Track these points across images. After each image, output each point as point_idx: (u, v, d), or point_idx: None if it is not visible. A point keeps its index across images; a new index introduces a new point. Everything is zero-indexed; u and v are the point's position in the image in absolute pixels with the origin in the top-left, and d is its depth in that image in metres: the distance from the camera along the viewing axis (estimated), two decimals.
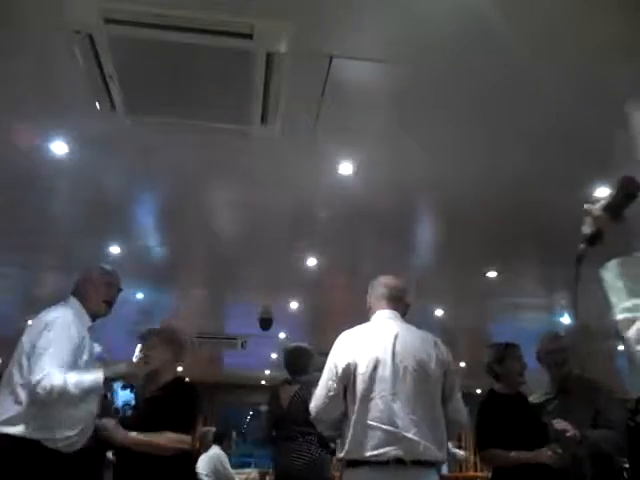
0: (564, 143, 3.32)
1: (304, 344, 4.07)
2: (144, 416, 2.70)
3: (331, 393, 2.34)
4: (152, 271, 5.98)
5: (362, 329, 2.50)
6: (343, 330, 2.54)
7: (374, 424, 2.20)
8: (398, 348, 2.32)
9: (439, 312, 7.01)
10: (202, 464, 5.56)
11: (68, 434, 2.43)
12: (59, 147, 3.45)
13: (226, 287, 6.52)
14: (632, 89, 2.82)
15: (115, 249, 5.14)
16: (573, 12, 2.34)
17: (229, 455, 5.91)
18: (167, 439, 2.54)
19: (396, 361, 2.29)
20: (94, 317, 2.73)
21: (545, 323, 7.14)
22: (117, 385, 3.97)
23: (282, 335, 8.26)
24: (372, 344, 2.36)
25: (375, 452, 2.17)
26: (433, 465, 2.23)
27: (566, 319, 7.20)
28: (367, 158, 3.55)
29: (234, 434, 6.20)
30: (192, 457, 2.80)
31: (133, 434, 2.57)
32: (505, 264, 5.44)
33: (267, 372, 11.75)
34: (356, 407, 2.26)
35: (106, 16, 2.25)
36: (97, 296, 2.73)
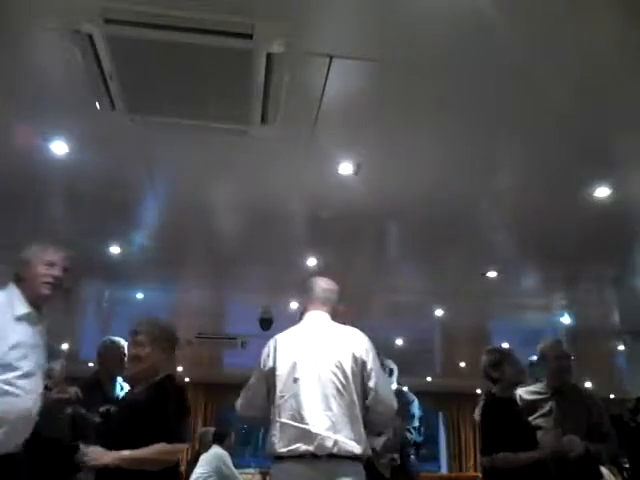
0: (564, 143, 3.32)
1: None
2: (127, 424, 2.40)
3: (250, 392, 2.58)
4: (152, 271, 5.98)
5: (290, 331, 2.63)
6: (279, 335, 2.65)
7: (288, 422, 2.35)
8: (317, 350, 2.45)
9: (439, 312, 7.01)
10: (203, 464, 5.56)
11: None
12: (59, 147, 3.45)
13: (226, 287, 6.52)
14: (632, 89, 2.82)
15: (115, 249, 5.14)
16: (573, 12, 2.34)
17: (231, 454, 5.90)
18: (160, 452, 2.26)
19: (313, 362, 2.41)
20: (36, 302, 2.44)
21: (545, 323, 7.14)
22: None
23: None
24: (294, 346, 2.51)
25: (289, 448, 2.31)
26: (353, 459, 2.30)
27: (566, 319, 7.20)
28: (367, 158, 3.55)
29: (233, 435, 6.19)
30: (178, 468, 2.63)
31: (125, 453, 2.24)
32: (505, 264, 5.45)
33: None
34: (274, 407, 2.42)
35: (106, 16, 2.25)
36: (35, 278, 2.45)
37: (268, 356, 2.55)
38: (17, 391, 2.22)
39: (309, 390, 2.36)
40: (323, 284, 2.76)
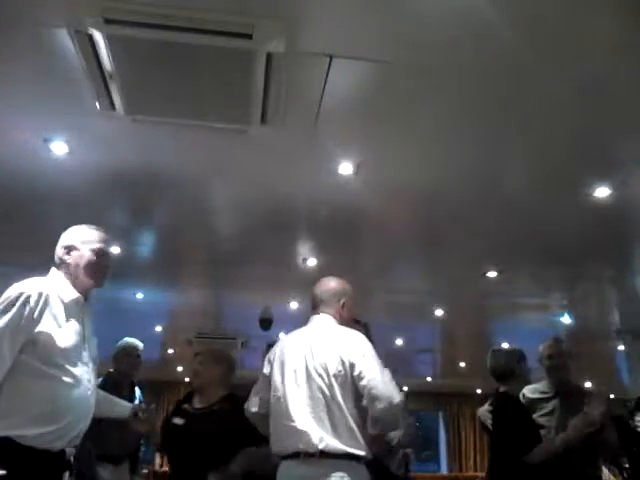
0: (564, 143, 3.32)
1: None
2: (202, 429, 2.87)
3: (255, 390, 2.67)
4: (152, 271, 5.98)
5: (290, 335, 2.68)
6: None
7: (280, 421, 2.44)
8: (306, 351, 2.49)
9: (439, 312, 7.01)
10: None
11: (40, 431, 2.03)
12: (59, 147, 3.45)
13: (226, 287, 6.52)
14: (632, 89, 2.82)
15: (115, 249, 5.14)
16: (573, 12, 2.34)
17: None
18: None
19: (301, 362, 2.47)
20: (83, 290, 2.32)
21: (545, 323, 7.14)
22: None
23: (282, 335, 8.25)
24: (288, 348, 2.57)
25: (282, 447, 2.41)
26: (349, 457, 2.31)
27: (566, 319, 7.20)
28: (367, 158, 3.55)
29: None
30: None
31: None
32: (505, 264, 5.45)
33: None
34: (271, 406, 2.52)
35: (106, 16, 2.25)
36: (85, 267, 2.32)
37: (269, 357, 2.65)
38: (74, 381, 2.14)
39: (296, 391, 2.42)
40: (323, 285, 2.76)
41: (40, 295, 2.12)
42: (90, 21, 2.27)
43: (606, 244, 4.85)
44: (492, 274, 5.65)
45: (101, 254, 2.36)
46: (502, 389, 3.24)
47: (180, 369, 10.67)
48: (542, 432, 3.16)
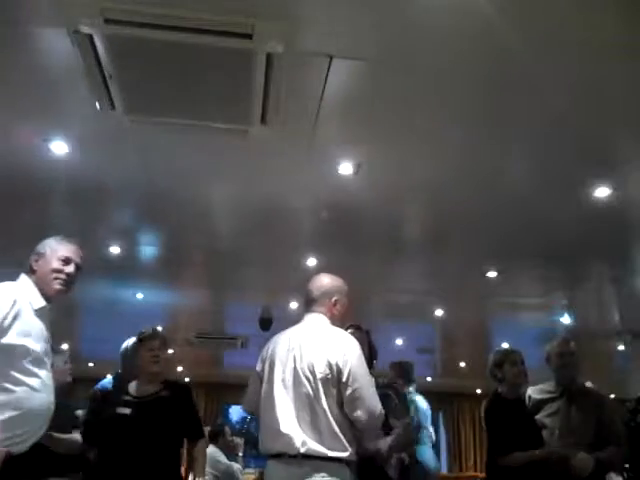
0: (564, 143, 3.32)
1: None
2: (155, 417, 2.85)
3: (248, 390, 2.67)
4: (152, 271, 5.98)
5: (284, 333, 2.65)
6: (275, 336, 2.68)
7: (266, 421, 2.44)
8: (295, 352, 2.46)
9: (439, 312, 7.01)
10: None
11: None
12: (59, 147, 3.45)
13: (226, 287, 6.52)
14: (632, 89, 2.82)
15: (115, 249, 5.14)
16: (573, 12, 2.34)
17: (230, 447, 6.02)
18: None
19: (289, 364, 2.44)
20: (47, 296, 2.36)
21: (545, 323, 7.14)
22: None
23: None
24: (279, 348, 2.55)
25: (267, 447, 2.42)
26: (332, 460, 2.30)
27: (566, 319, 7.20)
28: (367, 158, 3.55)
29: (227, 429, 6.28)
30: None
31: None
32: (505, 264, 5.45)
33: None
34: (260, 407, 2.51)
35: (106, 16, 2.25)
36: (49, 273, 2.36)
37: (262, 355, 2.63)
38: (41, 386, 2.18)
39: (281, 392, 2.41)
40: (317, 283, 2.69)
41: (14, 302, 2.16)
42: (90, 21, 2.27)
43: (606, 244, 4.84)
44: (492, 274, 5.65)
45: (66, 262, 2.39)
46: (499, 389, 3.25)
47: (180, 369, 10.67)
48: (545, 433, 3.15)
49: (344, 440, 2.34)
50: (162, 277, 6.19)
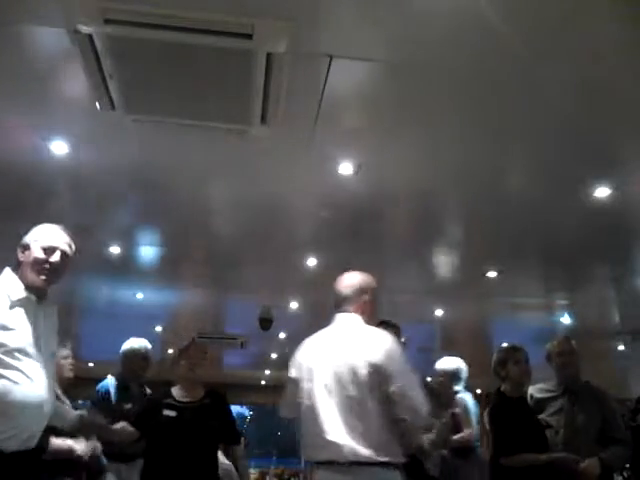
0: (564, 143, 3.32)
1: None
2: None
3: (285, 394, 2.59)
4: (152, 271, 5.98)
5: (316, 336, 2.59)
6: (308, 338, 2.63)
7: (310, 429, 2.37)
8: (333, 355, 2.40)
9: (439, 312, 7.01)
10: None
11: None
12: (59, 147, 3.45)
13: (226, 287, 6.53)
14: (632, 89, 2.82)
15: (115, 249, 5.14)
16: (573, 12, 2.33)
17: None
18: None
19: (329, 369, 2.37)
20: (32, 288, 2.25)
21: (545, 323, 7.15)
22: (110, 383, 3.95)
23: (282, 335, 8.26)
24: (315, 352, 2.49)
25: (312, 455, 2.38)
26: (380, 465, 2.24)
27: (566, 319, 7.20)
28: (367, 158, 3.55)
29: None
30: None
31: None
32: (505, 264, 5.45)
33: (267, 372, 11.76)
34: (302, 412, 2.43)
35: (106, 16, 2.25)
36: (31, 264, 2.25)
37: (293, 360, 2.57)
38: (23, 379, 2.07)
39: (324, 398, 2.34)
40: (346, 281, 2.61)
41: None
42: (90, 21, 2.27)
43: (606, 244, 4.84)
44: (492, 274, 5.65)
45: (50, 251, 2.27)
46: (502, 388, 3.24)
47: None
48: (549, 432, 3.14)
49: (393, 443, 2.29)
50: (162, 277, 6.19)
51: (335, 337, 2.48)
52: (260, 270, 5.76)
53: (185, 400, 3.11)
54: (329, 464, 2.27)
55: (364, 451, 2.22)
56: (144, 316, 7.38)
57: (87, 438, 2.74)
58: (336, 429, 2.27)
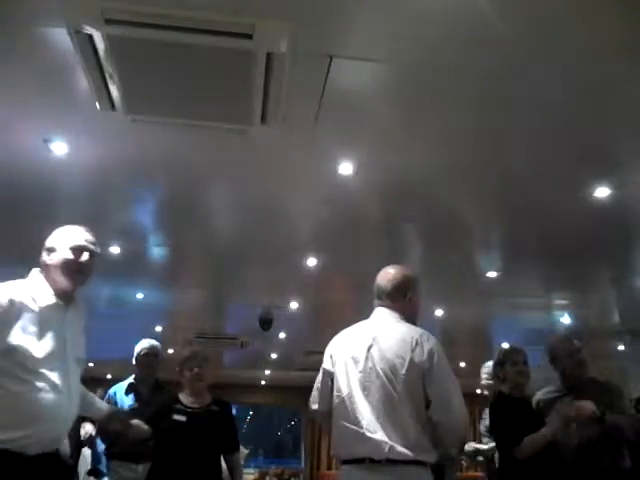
0: (564, 143, 3.32)
1: None
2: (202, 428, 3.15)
3: (317, 386, 2.54)
4: (152, 271, 5.98)
5: (353, 328, 2.55)
6: (343, 330, 2.60)
7: (345, 424, 2.32)
8: (372, 350, 2.35)
9: (439, 312, 7.01)
10: None
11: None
12: (59, 147, 3.45)
13: (226, 287, 6.53)
14: (632, 89, 2.83)
15: (115, 249, 5.14)
16: (573, 12, 2.34)
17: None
18: None
19: (368, 363, 2.34)
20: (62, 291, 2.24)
21: (545, 323, 7.15)
22: (119, 391, 4.02)
23: (282, 335, 8.27)
24: (352, 345, 2.44)
25: (347, 452, 2.31)
26: (415, 464, 2.21)
27: (566, 319, 7.20)
28: (367, 158, 3.55)
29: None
30: None
31: None
32: (505, 264, 5.45)
33: (267, 372, 11.76)
34: (334, 406, 2.39)
35: (106, 16, 2.25)
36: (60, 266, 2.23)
37: (330, 352, 2.53)
38: (49, 387, 2.07)
39: (360, 393, 2.31)
40: (388, 276, 2.56)
41: (11, 303, 2.06)
42: (90, 21, 2.27)
43: (606, 244, 4.85)
44: (492, 274, 5.65)
45: (79, 251, 2.26)
46: (502, 388, 3.24)
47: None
48: None
49: (428, 442, 2.26)
50: (162, 277, 6.19)
51: (373, 332, 2.42)
52: (260, 270, 5.76)
53: (194, 406, 3.25)
54: (360, 461, 2.23)
55: (400, 448, 2.19)
56: (144, 316, 7.38)
57: (112, 430, 2.86)
58: (373, 425, 2.24)
